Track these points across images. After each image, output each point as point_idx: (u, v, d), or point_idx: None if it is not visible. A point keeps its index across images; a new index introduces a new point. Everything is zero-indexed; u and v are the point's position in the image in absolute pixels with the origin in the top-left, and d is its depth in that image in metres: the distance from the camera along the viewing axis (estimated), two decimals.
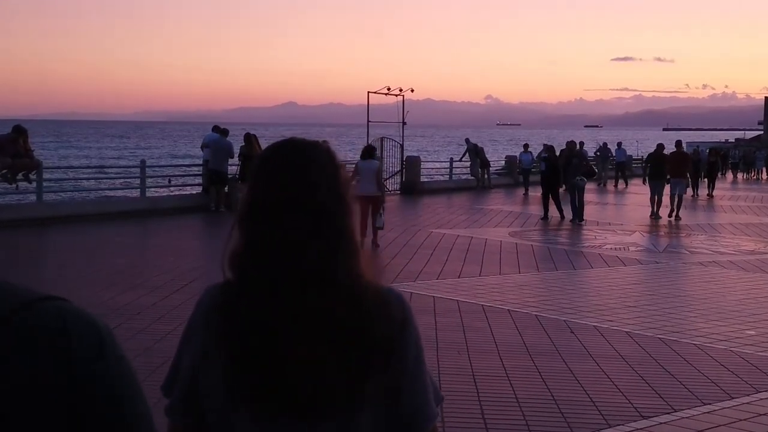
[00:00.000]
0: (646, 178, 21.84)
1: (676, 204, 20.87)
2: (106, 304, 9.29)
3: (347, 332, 1.64)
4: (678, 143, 22.70)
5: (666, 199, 20.93)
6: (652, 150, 22.91)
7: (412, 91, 27.06)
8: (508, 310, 9.56)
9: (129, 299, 9.60)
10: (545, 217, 19.86)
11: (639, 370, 7.21)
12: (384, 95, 26.79)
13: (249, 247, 1.69)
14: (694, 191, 27.61)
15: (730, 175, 42.50)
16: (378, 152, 23.85)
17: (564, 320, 9.09)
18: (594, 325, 8.88)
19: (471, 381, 6.75)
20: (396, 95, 27.04)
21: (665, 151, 21.61)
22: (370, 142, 25.44)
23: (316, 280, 1.65)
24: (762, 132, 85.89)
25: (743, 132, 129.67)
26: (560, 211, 20.02)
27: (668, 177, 21.04)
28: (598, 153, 35.11)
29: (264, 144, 20.90)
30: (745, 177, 43.34)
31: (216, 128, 20.91)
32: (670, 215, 20.62)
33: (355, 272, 1.69)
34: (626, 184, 33.62)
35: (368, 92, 26.31)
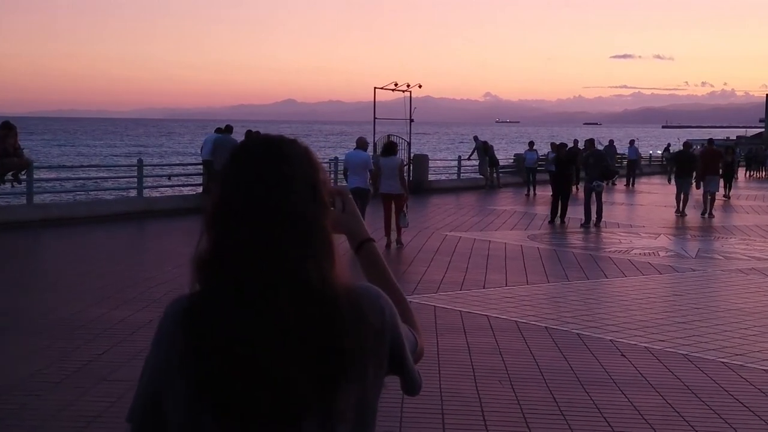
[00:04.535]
0: (672, 177, 21.56)
1: (710, 201, 20.94)
2: (97, 322, 8.32)
3: (318, 342, 1.55)
4: (710, 141, 22.01)
5: (692, 198, 20.79)
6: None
7: (420, 87, 26.14)
8: (546, 327, 8.58)
9: (123, 315, 8.61)
10: (552, 221, 18.82)
11: (711, 404, 6.23)
12: (391, 91, 25.82)
13: (217, 253, 1.58)
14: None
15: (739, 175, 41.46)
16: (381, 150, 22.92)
17: (610, 339, 8.12)
18: (645, 346, 7.90)
19: (521, 419, 5.78)
20: (403, 91, 26.10)
21: (673, 150, 21.38)
22: (376, 139, 24.53)
23: (288, 285, 1.56)
24: (763, 129, 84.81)
25: (745, 129, 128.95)
26: (563, 214, 18.95)
27: (695, 175, 21.03)
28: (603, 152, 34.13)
29: None
30: (755, 175, 42.27)
31: (219, 130, 19.95)
32: (703, 214, 20.65)
33: (329, 277, 1.59)
34: (633, 184, 32.60)
35: (375, 88, 25.33)
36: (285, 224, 1.58)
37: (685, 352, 7.70)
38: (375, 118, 25.49)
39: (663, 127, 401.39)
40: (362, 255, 1.86)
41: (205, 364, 1.54)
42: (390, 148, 14.65)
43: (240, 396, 1.54)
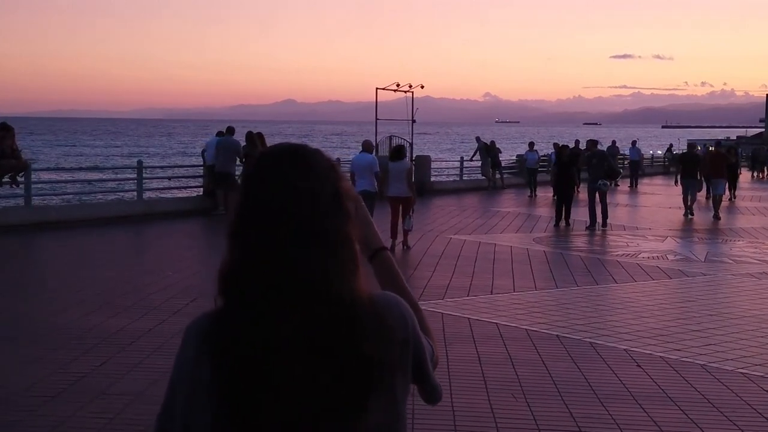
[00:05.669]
0: (678, 178, 21.49)
1: (715, 204, 20.87)
2: (95, 330, 8.07)
3: (341, 351, 1.53)
4: (717, 143, 21.85)
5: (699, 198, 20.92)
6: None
7: (422, 87, 25.92)
8: (557, 335, 8.33)
9: (121, 324, 8.35)
10: (557, 224, 18.54)
11: (734, 419, 5.97)
12: (393, 92, 25.59)
13: (242, 265, 1.56)
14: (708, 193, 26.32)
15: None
16: (387, 151, 22.71)
17: (624, 349, 7.86)
18: (661, 356, 7.65)
19: None
20: (405, 92, 25.88)
21: (675, 150, 21.26)
22: (378, 140, 24.30)
23: (314, 296, 1.53)
24: (764, 129, 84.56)
25: (745, 130, 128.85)
26: (567, 216, 18.68)
27: (701, 177, 21.04)
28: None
29: (270, 143, 19.71)
30: (757, 176, 41.94)
31: (220, 134, 19.66)
32: (715, 216, 20.54)
33: (354, 288, 1.58)
34: (636, 185, 32.30)
35: (377, 89, 25.10)
36: (310, 235, 1.56)
37: (703, 362, 7.45)
38: (377, 119, 25.26)
39: (663, 127, 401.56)
40: (376, 263, 1.84)
41: (232, 379, 1.53)
42: (398, 151, 14.70)
43: (265, 406, 1.52)
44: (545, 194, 25.39)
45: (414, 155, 26.54)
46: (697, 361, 7.49)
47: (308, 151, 1.64)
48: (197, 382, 1.56)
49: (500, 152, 29.91)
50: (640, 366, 7.30)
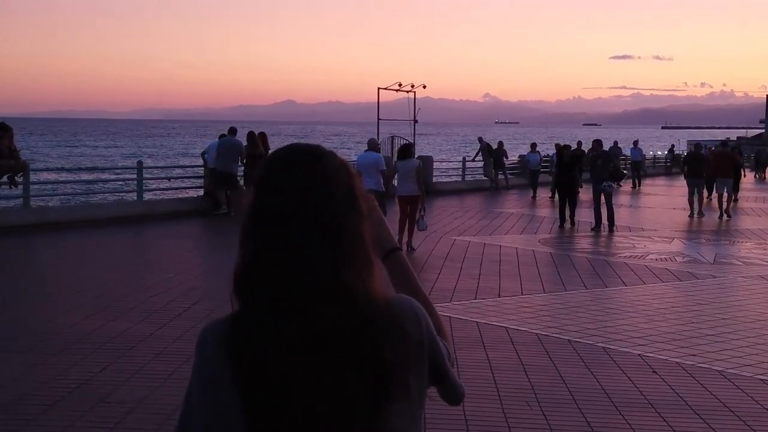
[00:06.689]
0: (685, 176, 21.62)
1: (725, 202, 20.92)
2: (93, 335, 7.85)
3: (359, 354, 1.50)
4: (723, 143, 21.72)
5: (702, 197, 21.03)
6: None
7: (425, 87, 25.74)
8: (569, 340, 8.12)
9: (121, 328, 8.14)
10: (562, 225, 18.34)
11: (757, 427, 5.76)
12: (395, 92, 25.39)
13: (255, 267, 1.54)
14: (709, 193, 26.03)
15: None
16: (388, 151, 22.53)
17: (638, 354, 7.65)
18: (677, 362, 7.43)
19: None
20: (407, 92, 25.68)
21: (677, 151, 21.24)
22: (379, 140, 24.11)
23: (320, 298, 1.51)
24: (764, 130, 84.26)
25: (745, 130, 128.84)
26: (571, 216, 18.50)
27: (705, 176, 21.03)
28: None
29: (272, 142, 19.48)
30: (759, 176, 41.72)
31: (223, 136, 19.44)
32: (720, 217, 20.56)
33: (369, 288, 1.55)
34: (639, 186, 32.09)
35: (378, 89, 24.89)
36: (316, 236, 1.53)
37: (720, 368, 7.24)
38: (379, 119, 25.06)
39: (662, 127, 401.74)
40: (389, 263, 1.81)
41: (245, 382, 1.51)
42: (406, 150, 14.60)
43: (273, 409, 1.49)
44: (546, 195, 25.18)
45: (416, 156, 26.34)
46: (714, 367, 7.28)
47: (318, 152, 1.62)
48: (219, 388, 1.53)
49: (507, 158, 29.65)
50: (656, 372, 7.09)
